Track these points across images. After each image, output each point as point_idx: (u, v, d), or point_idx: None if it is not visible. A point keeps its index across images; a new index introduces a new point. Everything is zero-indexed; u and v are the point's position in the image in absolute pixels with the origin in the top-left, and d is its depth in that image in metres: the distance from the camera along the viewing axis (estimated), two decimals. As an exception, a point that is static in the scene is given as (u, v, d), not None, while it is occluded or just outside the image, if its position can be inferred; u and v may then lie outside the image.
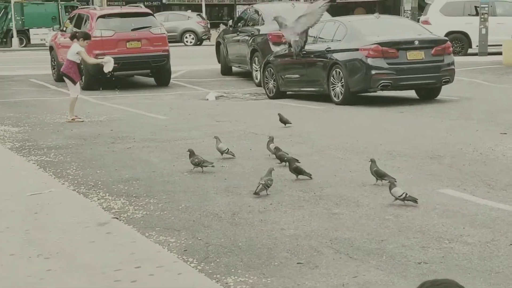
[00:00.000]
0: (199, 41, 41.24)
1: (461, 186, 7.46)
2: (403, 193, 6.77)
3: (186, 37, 41.25)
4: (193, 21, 41.98)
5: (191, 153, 8.52)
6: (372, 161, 7.69)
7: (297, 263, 5.30)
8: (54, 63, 20.91)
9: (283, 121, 11.54)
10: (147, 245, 5.74)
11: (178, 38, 40.26)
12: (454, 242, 5.67)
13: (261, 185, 7.27)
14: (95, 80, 18.43)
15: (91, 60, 14.27)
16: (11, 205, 7.01)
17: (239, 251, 5.60)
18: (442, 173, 8.04)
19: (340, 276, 5.01)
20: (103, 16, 18.48)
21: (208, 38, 41.53)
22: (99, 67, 17.97)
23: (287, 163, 8.16)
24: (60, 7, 43.80)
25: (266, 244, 5.75)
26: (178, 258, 5.43)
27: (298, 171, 7.91)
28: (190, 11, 46.42)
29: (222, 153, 9.17)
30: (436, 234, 5.87)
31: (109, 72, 14.15)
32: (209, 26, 43.63)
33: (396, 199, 6.80)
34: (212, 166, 8.50)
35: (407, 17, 31.57)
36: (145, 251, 5.55)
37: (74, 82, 13.25)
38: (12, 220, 6.49)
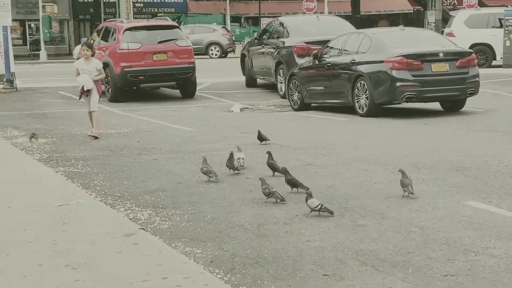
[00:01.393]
0: (224, 53, 41.47)
1: (487, 198, 7.43)
2: (319, 204, 6.81)
3: (211, 50, 41.52)
4: (218, 33, 42.25)
5: (203, 161, 8.69)
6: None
7: (323, 275, 5.31)
8: (81, 75, 21.11)
9: (262, 138, 11.19)
10: (174, 256, 5.78)
11: (203, 51, 40.53)
12: (480, 255, 5.65)
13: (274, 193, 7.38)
14: (121, 92, 18.62)
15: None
16: (39, 215, 7.10)
17: (265, 262, 5.63)
18: (468, 185, 8.01)
19: (366, 288, 5.01)
20: (130, 29, 18.67)
21: (233, 51, 41.75)
22: (126, 79, 18.23)
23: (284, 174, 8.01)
24: None
25: (292, 255, 5.77)
26: (204, 269, 5.46)
27: (292, 183, 7.83)
28: (215, 23, 46.73)
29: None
30: (462, 247, 5.85)
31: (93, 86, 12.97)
32: (233, 38, 43.88)
33: (312, 210, 6.84)
34: (217, 178, 8.56)
35: (431, 29, 31.48)
36: (171, 262, 5.59)
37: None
38: (40, 230, 6.57)
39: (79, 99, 13.29)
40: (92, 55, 12.81)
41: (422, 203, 7.25)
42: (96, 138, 12.33)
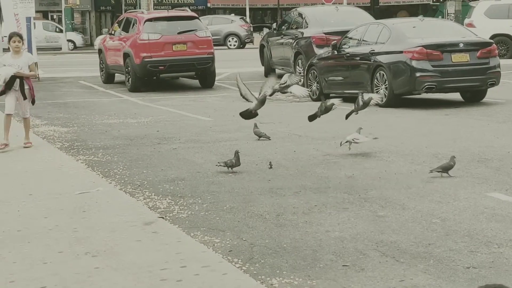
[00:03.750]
0: (242, 44, 41.45)
1: (510, 189, 7.34)
2: None
3: (229, 40, 41.51)
4: (236, 24, 42.25)
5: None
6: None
7: (343, 265, 5.27)
8: (102, 65, 21.28)
9: (259, 134, 10.98)
10: (193, 245, 5.77)
11: (221, 41, 40.54)
12: (503, 247, 5.58)
13: None
14: (141, 82, 18.69)
15: None
16: (60, 203, 7.13)
17: (284, 252, 5.60)
18: (490, 177, 7.93)
19: (387, 279, 4.96)
20: (150, 20, 18.77)
21: (251, 41, 41.70)
22: (146, 69, 18.28)
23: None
24: None
25: (311, 245, 5.74)
26: (223, 258, 5.44)
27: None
28: (233, 14, 46.68)
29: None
30: (485, 239, 5.79)
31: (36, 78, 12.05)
32: (252, 29, 43.83)
33: None
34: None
35: (451, 20, 31.23)
36: (190, 250, 5.59)
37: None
38: (61, 218, 6.60)
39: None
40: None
41: (443, 194, 7.19)
42: (6, 145, 10.20)
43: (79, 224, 6.39)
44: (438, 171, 7.89)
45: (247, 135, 11.18)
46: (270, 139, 10.68)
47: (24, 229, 6.24)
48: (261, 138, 10.59)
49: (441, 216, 6.46)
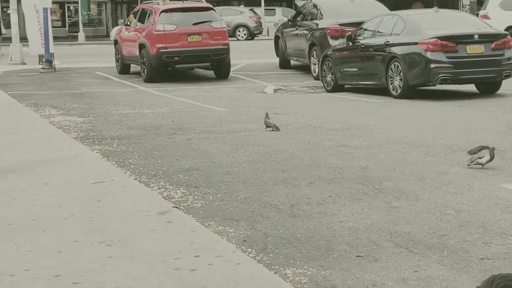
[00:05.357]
0: (251, 35, 41.41)
1: (524, 181, 7.31)
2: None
3: (239, 32, 41.46)
4: (246, 16, 42.22)
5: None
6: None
7: (357, 256, 5.27)
8: (118, 56, 21.34)
9: (268, 125, 10.92)
10: (207, 235, 5.79)
11: (230, 33, 40.48)
12: (517, 238, 5.56)
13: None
14: (157, 72, 18.75)
15: None
16: (75, 192, 7.17)
17: (297, 242, 5.61)
18: (504, 168, 7.89)
19: (401, 270, 4.96)
20: (166, 11, 18.81)
21: (260, 33, 41.69)
22: (161, 60, 18.32)
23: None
24: None
25: (325, 236, 5.74)
26: (237, 248, 5.45)
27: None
28: (242, 6, 46.61)
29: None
30: (499, 230, 5.76)
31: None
32: (261, 21, 43.78)
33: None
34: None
35: (466, 11, 31.02)
36: (204, 240, 5.60)
37: None
38: (75, 207, 6.64)
39: None
40: None
41: (457, 186, 7.16)
42: None
43: (93, 213, 6.42)
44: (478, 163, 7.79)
45: (261, 125, 11.17)
46: (279, 130, 10.67)
47: (39, 218, 6.28)
48: (267, 128, 10.69)
49: (455, 207, 6.44)
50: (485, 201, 6.60)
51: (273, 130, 10.63)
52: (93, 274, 4.92)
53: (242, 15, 42.34)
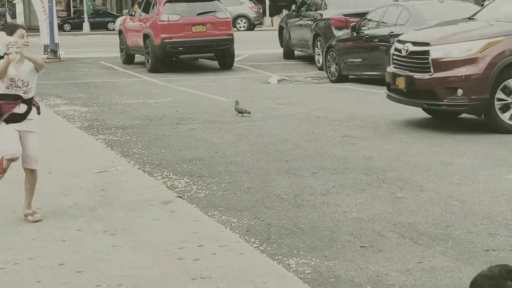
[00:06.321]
0: (251, 26, 41.30)
1: (529, 173, 7.28)
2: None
3: (239, 22, 41.31)
4: (246, 6, 42.07)
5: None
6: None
7: (360, 246, 5.26)
8: (122, 46, 21.34)
9: (240, 110, 11.33)
10: (210, 225, 5.79)
11: (230, 23, 40.39)
12: (522, 229, 5.54)
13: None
14: (161, 62, 18.73)
15: None
16: (79, 182, 7.18)
17: (301, 232, 5.60)
18: (510, 159, 7.85)
19: (405, 261, 4.95)
20: (170, 1, 18.78)
21: (261, 23, 41.58)
22: (165, 50, 18.30)
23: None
24: None
25: (328, 226, 5.73)
26: (240, 238, 5.45)
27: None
28: None
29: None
30: (504, 221, 5.74)
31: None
32: (261, 11, 43.63)
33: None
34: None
35: (471, 1, 30.89)
36: (208, 230, 5.60)
37: None
38: (80, 196, 6.64)
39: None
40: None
41: (462, 176, 7.14)
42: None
43: (98, 202, 6.43)
44: None
45: (265, 115, 11.16)
46: (250, 114, 11.18)
47: (44, 206, 6.29)
48: (239, 114, 11.17)
49: (460, 198, 6.42)
50: (490, 192, 6.57)
51: (244, 115, 11.11)
52: (97, 263, 4.92)
53: (242, 5, 42.17)
